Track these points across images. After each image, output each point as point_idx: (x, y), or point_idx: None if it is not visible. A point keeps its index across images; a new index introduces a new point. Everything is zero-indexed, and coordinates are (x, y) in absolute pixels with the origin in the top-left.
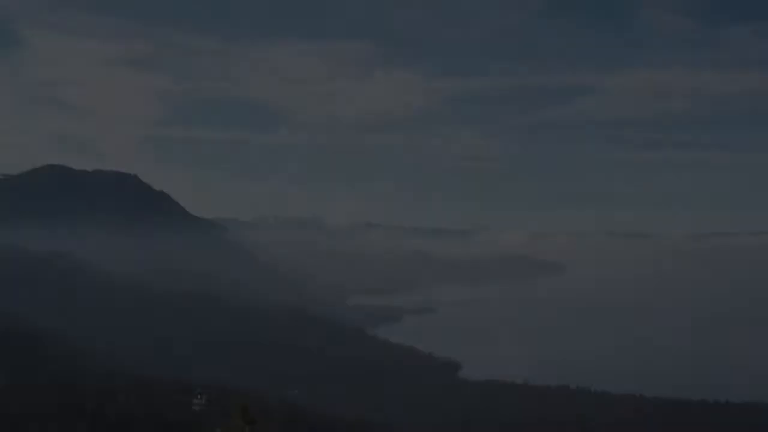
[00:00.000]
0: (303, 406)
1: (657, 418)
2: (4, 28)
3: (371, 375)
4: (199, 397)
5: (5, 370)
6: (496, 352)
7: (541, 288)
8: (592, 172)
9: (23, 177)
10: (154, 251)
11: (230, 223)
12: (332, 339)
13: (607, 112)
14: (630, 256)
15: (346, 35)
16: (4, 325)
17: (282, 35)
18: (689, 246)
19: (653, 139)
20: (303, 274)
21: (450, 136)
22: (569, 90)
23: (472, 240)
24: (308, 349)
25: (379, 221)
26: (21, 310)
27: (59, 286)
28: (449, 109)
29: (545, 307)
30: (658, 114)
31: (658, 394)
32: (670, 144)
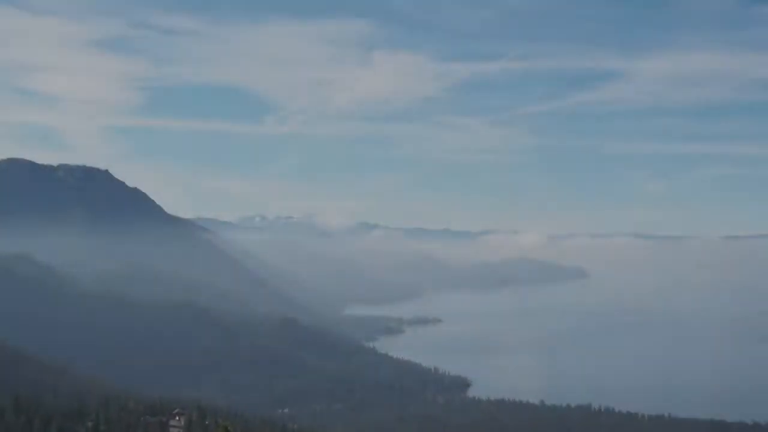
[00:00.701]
0: (294, 427)
1: None
2: None
3: (369, 393)
4: (177, 418)
5: None
6: (509, 367)
7: (560, 296)
8: (617, 167)
9: None
10: (127, 255)
11: (212, 223)
12: (326, 353)
13: (635, 100)
14: (659, 260)
15: (342, 14)
16: None
17: (270, 14)
18: (725, 249)
19: (687, 130)
20: (293, 281)
21: (458, 126)
22: (593, 76)
23: (482, 242)
24: (299, 364)
25: (378, 221)
26: None
27: (19, 294)
28: (458, 97)
29: (565, 317)
30: (692, 102)
31: (692, 415)
32: (705, 135)
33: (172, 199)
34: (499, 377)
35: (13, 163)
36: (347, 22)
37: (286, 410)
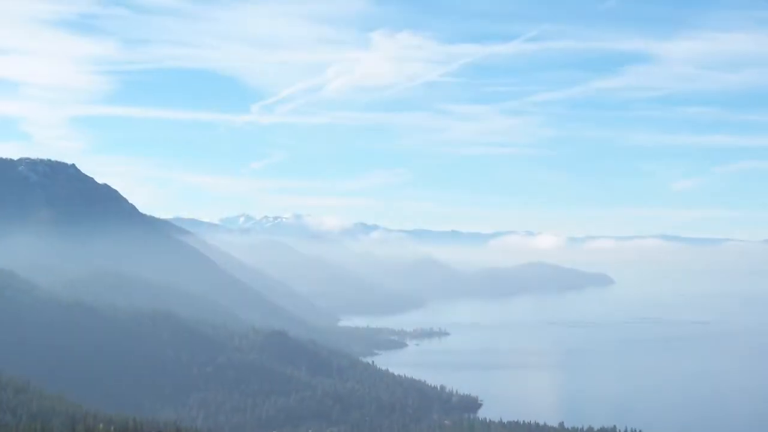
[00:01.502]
0: None
1: None
2: None
3: (368, 414)
4: None
5: None
6: (525, 385)
7: (581, 305)
8: (643, 162)
9: None
10: (96, 260)
11: (191, 224)
12: (318, 369)
13: (662, 86)
14: (691, 265)
15: None
16: None
17: None
18: (765, 253)
19: (721, 120)
20: (282, 289)
21: (466, 116)
22: (616, 59)
23: (493, 246)
24: (289, 381)
25: (377, 222)
26: None
27: None
28: (466, 83)
29: (586, 329)
30: (727, 88)
31: None
32: (741, 126)
33: (146, 198)
34: (514, 396)
35: None
36: (342, 0)
37: None
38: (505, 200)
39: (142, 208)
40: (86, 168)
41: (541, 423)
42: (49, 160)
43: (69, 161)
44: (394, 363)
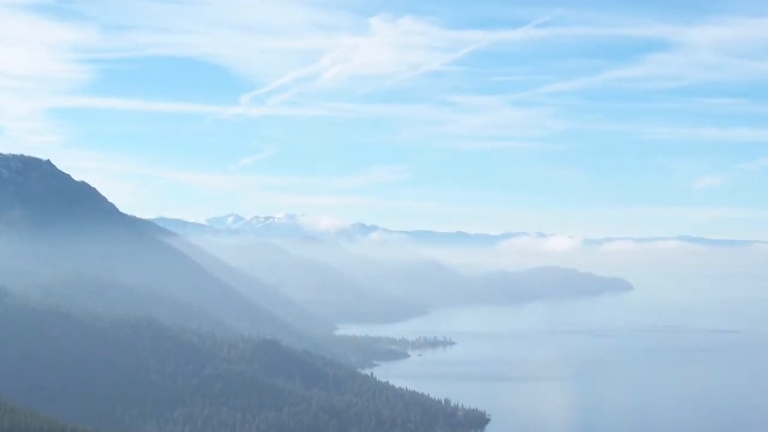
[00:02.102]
0: None
1: None
2: None
3: (367, 430)
4: None
5: None
6: (536, 399)
7: (598, 313)
8: (664, 158)
9: None
10: (73, 263)
11: (176, 225)
12: (313, 381)
13: (685, 76)
14: (717, 270)
15: None
16: None
17: None
18: None
19: (748, 113)
20: (274, 295)
21: (472, 108)
22: (635, 46)
23: (502, 248)
24: (281, 394)
25: (377, 222)
26: None
27: None
28: (472, 73)
29: (603, 338)
30: (754, 79)
31: None
32: None
33: (127, 196)
34: (524, 411)
35: None
36: None
37: None
38: (514, 199)
39: (123, 207)
40: (62, 164)
41: None
42: (23, 156)
43: (44, 156)
44: (395, 375)
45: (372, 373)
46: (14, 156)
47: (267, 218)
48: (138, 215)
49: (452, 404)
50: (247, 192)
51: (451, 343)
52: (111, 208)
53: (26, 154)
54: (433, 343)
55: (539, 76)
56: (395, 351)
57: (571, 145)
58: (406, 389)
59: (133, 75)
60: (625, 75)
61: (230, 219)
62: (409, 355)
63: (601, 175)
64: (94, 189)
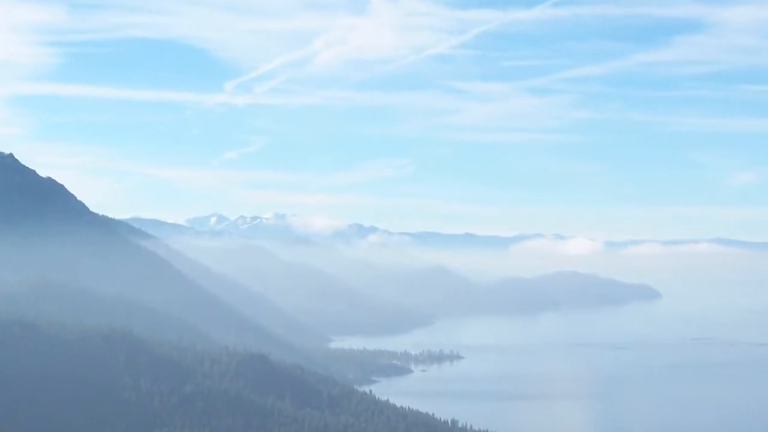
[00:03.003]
0: None
1: None
2: None
3: None
4: None
5: None
6: (552, 419)
7: (622, 323)
8: (695, 152)
9: None
10: (38, 267)
11: (153, 226)
12: (307, 400)
13: (718, 60)
14: (754, 275)
15: None
16: None
17: None
18: None
19: None
20: (262, 303)
21: (482, 95)
22: (664, 28)
23: (515, 251)
24: (271, 414)
25: (376, 223)
26: None
27: None
28: (482, 57)
29: (627, 351)
30: None
31: None
32: None
33: (99, 194)
34: None
35: None
36: None
37: None
38: (529, 197)
39: (94, 206)
40: (27, 158)
41: None
42: None
43: (6, 150)
44: (396, 392)
45: (371, 391)
46: None
47: (254, 218)
48: (111, 215)
49: (460, 425)
50: (231, 189)
51: (459, 358)
52: (81, 208)
53: None
54: (438, 358)
55: (556, 61)
56: (396, 366)
57: (591, 137)
58: (409, 408)
59: (104, 59)
60: (652, 59)
61: (213, 219)
62: (411, 371)
63: (625, 171)
64: (61, 186)
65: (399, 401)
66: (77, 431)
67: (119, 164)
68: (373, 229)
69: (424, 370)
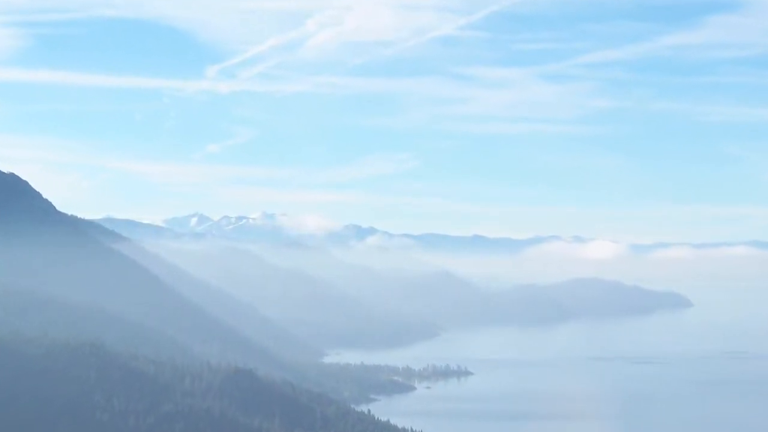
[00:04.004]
0: None
1: None
2: None
3: None
4: None
5: None
6: None
7: (648, 335)
8: (729, 145)
9: None
10: (0, 274)
11: (127, 227)
12: (298, 419)
13: (755, 42)
14: None
15: None
16: None
17: None
18: None
19: None
20: (249, 313)
21: (492, 82)
22: (695, 6)
23: (530, 255)
24: None
25: (375, 224)
26: None
27: None
28: (493, 39)
29: (654, 366)
30: None
31: None
32: None
33: (67, 192)
34: None
35: None
36: None
37: None
38: (545, 195)
39: (62, 205)
40: None
41: None
42: None
43: None
44: (398, 412)
45: (369, 410)
46: None
47: (239, 218)
48: (80, 215)
49: None
50: (214, 186)
51: (467, 374)
52: (47, 206)
53: None
54: (444, 373)
55: (575, 44)
56: (398, 383)
57: (613, 128)
58: (411, 429)
59: (73, 42)
60: (681, 42)
61: (194, 220)
62: (414, 388)
63: (651, 166)
64: (26, 183)
65: (401, 422)
66: None
67: (90, 158)
68: (371, 231)
69: (428, 388)
